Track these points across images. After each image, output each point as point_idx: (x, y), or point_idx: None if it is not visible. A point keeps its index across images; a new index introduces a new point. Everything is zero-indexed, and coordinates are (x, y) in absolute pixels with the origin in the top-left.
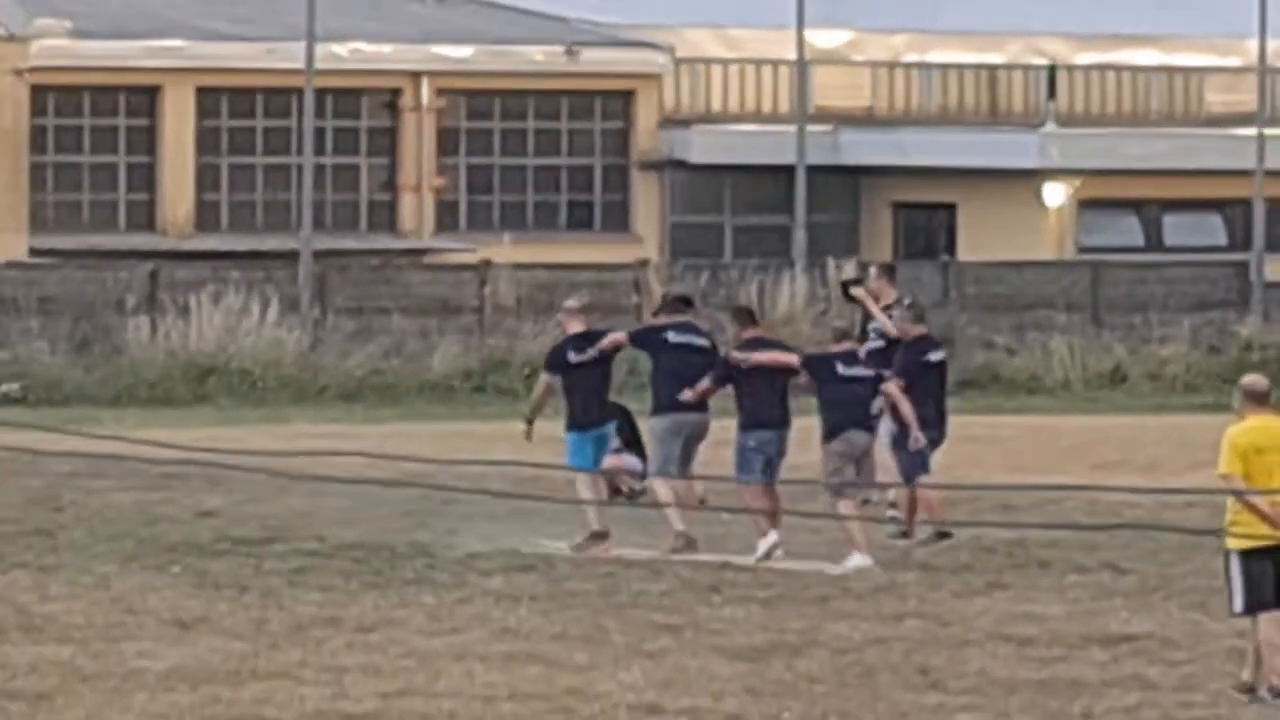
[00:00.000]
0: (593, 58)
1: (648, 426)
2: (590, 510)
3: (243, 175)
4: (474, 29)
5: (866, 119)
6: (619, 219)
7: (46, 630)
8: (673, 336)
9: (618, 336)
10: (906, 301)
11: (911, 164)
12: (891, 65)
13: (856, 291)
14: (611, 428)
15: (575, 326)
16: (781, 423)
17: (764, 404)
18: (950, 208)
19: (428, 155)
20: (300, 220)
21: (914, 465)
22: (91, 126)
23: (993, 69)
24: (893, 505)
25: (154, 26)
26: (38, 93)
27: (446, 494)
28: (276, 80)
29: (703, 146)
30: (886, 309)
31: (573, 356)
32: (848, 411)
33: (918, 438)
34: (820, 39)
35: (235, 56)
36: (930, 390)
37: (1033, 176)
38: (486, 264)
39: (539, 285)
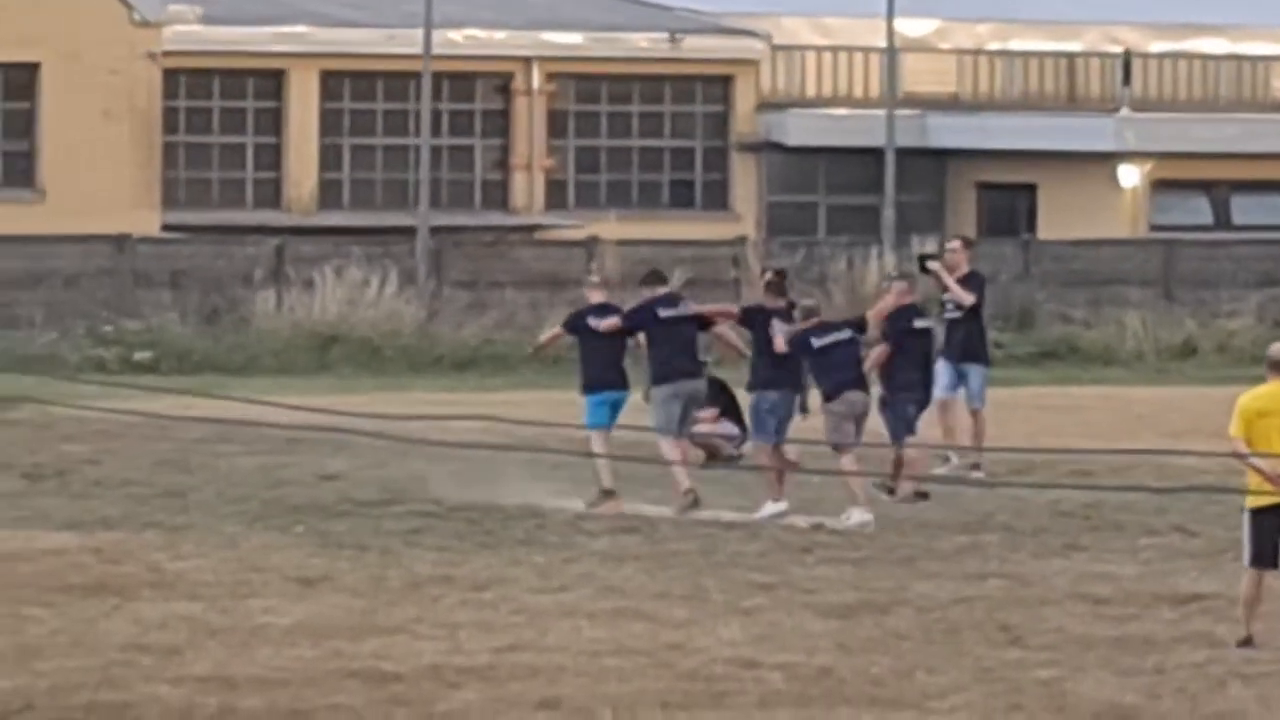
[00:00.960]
0: (694, 45)
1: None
2: (603, 468)
3: (363, 155)
4: (583, 17)
5: (952, 104)
6: (718, 198)
7: (176, 587)
8: (662, 311)
9: (613, 321)
10: (893, 273)
11: (994, 147)
12: (976, 53)
13: (932, 265)
14: (625, 394)
15: (596, 297)
16: (793, 385)
17: (776, 367)
18: (1030, 188)
19: (538, 137)
20: (418, 198)
21: (900, 427)
22: (220, 108)
23: (1071, 57)
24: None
25: (280, 13)
26: (170, 76)
27: (556, 458)
28: (396, 65)
29: (798, 129)
30: (962, 280)
31: (591, 322)
32: (839, 375)
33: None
34: (909, 28)
35: (357, 42)
36: (915, 356)
37: (1108, 159)
38: (593, 240)
39: (643, 261)
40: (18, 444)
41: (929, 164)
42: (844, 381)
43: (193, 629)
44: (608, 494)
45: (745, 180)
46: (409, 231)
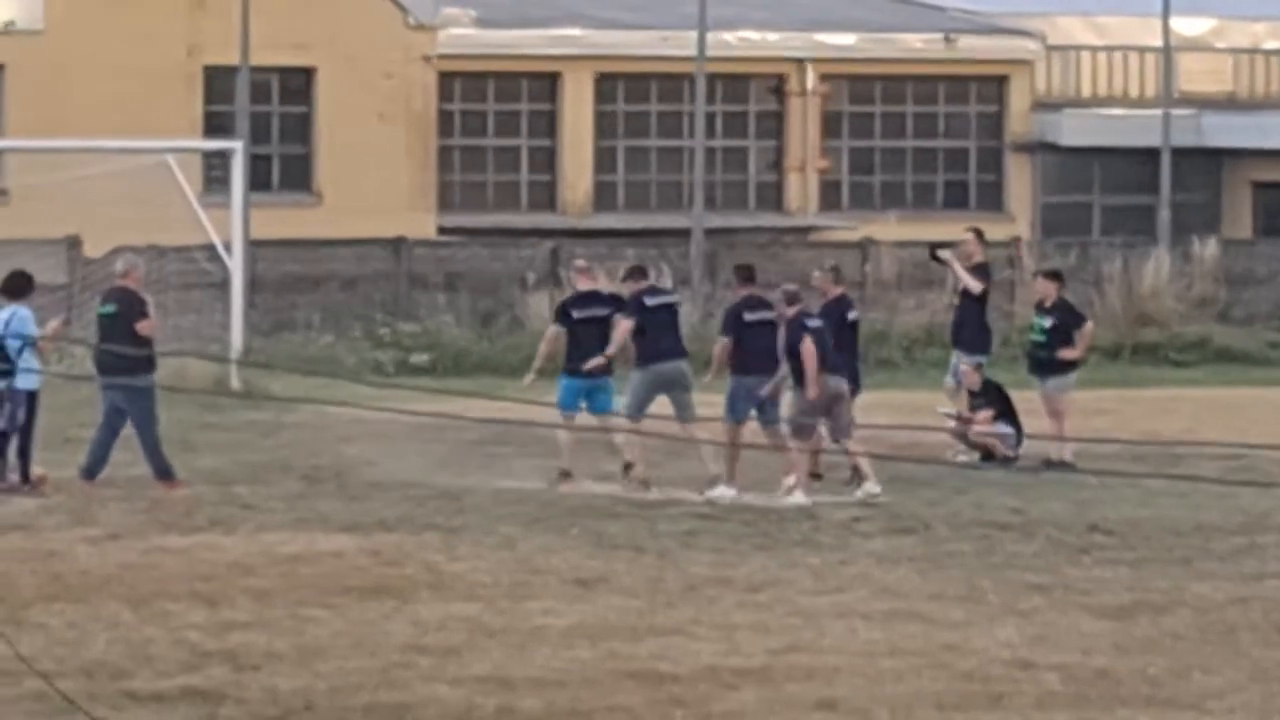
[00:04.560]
0: (969, 44)
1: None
2: (564, 446)
3: (638, 157)
4: (856, 17)
5: (1228, 103)
6: (993, 198)
7: (455, 588)
8: (649, 300)
9: (628, 324)
10: (829, 265)
11: (1271, 146)
12: (1252, 51)
13: (944, 254)
14: (608, 381)
15: (584, 284)
16: (770, 371)
17: (756, 354)
18: None
19: (812, 138)
20: (692, 200)
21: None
22: (495, 111)
23: None
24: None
25: (554, 15)
26: (445, 79)
27: (832, 458)
28: (670, 67)
29: (1073, 129)
30: (974, 268)
31: (576, 313)
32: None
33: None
34: (1185, 26)
35: (631, 44)
36: (848, 346)
37: None
38: (868, 241)
39: (917, 262)
40: (297, 446)
41: (1204, 163)
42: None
43: (471, 630)
44: (565, 475)
45: (1020, 181)
46: (683, 234)
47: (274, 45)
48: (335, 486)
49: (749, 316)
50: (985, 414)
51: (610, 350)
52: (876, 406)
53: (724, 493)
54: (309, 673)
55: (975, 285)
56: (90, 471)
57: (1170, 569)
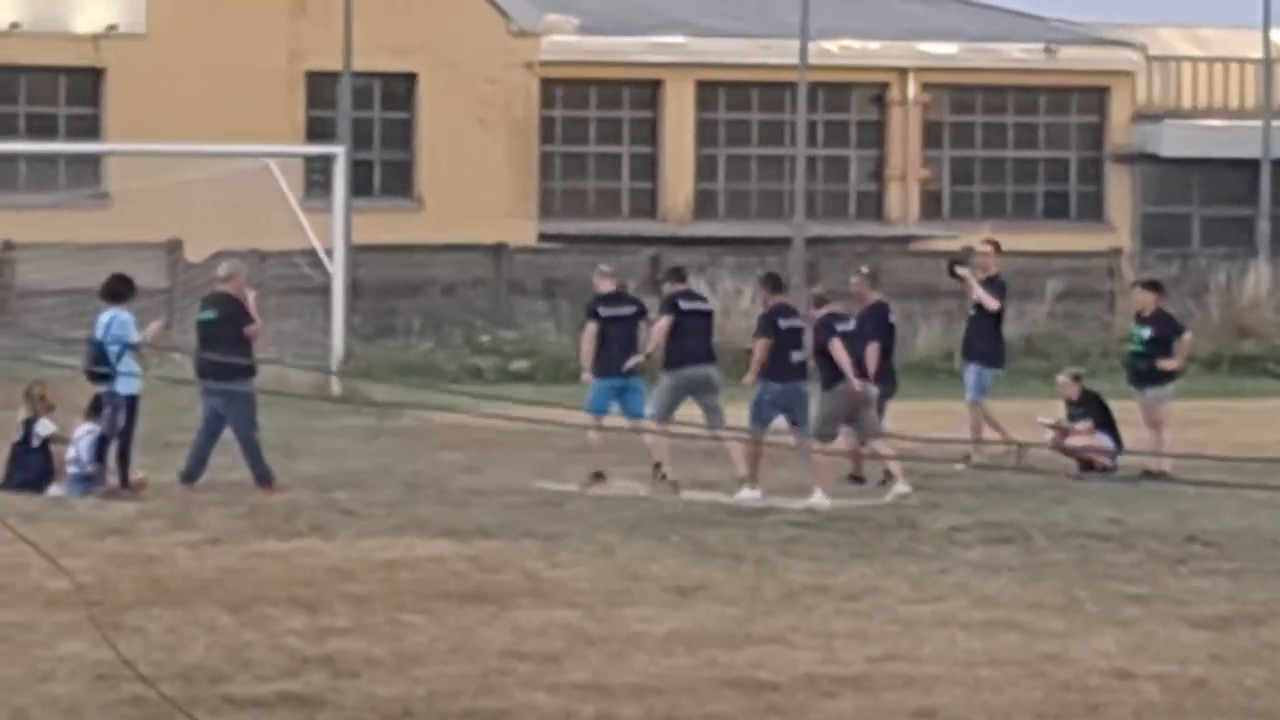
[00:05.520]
0: (1069, 55)
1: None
2: (595, 447)
3: (738, 165)
4: (957, 27)
5: None
6: (1093, 209)
7: (554, 595)
8: (683, 304)
9: (665, 321)
10: (865, 269)
11: None
12: None
13: (961, 271)
14: (640, 381)
15: (606, 286)
16: (797, 377)
17: (785, 360)
18: None
19: (913, 147)
20: (793, 208)
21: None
22: (597, 118)
23: None
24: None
25: (656, 23)
26: (546, 85)
27: (926, 469)
28: (771, 75)
29: (1173, 141)
30: (987, 283)
31: (603, 310)
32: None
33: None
34: None
35: (733, 52)
36: (890, 349)
37: None
38: (968, 251)
39: (1017, 272)
40: (397, 452)
41: None
42: (843, 373)
43: (570, 637)
44: (598, 476)
45: (1120, 191)
46: (783, 242)
47: (376, 51)
48: (435, 492)
49: (783, 324)
50: (1085, 424)
51: (650, 348)
52: None
53: (748, 495)
54: (407, 679)
55: (991, 302)
56: (190, 476)
57: (1269, 580)
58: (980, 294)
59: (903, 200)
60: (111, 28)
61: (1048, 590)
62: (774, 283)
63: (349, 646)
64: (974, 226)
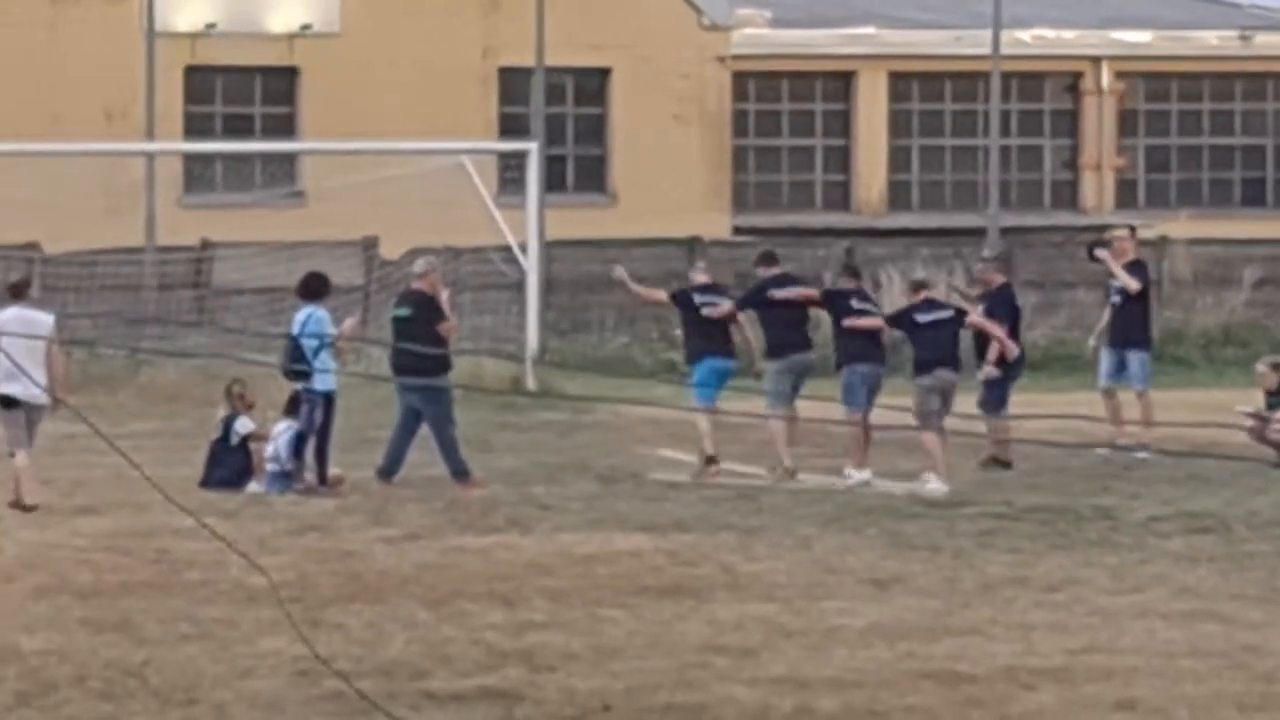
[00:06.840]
0: (1265, 41)
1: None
2: (705, 434)
3: (932, 156)
4: (1152, 14)
5: None
6: None
7: (751, 589)
8: (775, 293)
9: (726, 308)
10: (991, 255)
11: None
12: None
13: (1100, 253)
14: (731, 364)
15: (700, 278)
16: (881, 360)
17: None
18: None
19: (1108, 136)
20: (987, 199)
21: (993, 399)
22: (790, 111)
23: None
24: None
25: (848, 15)
26: (739, 79)
27: (1127, 458)
28: (964, 65)
29: None
30: (1128, 266)
31: (699, 301)
32: (934, 352)
33: (990, 371)
34: None
35: (925, 43)
36: (1015, 330)
37: None
38: (1163, 240)
39: (1214, 260)
40: (593, 447)
41: None
42: (936, 359)
43: (768, 630)
44: (710, 460)
45: None
46: (978, 233)
47: (569, 46)
48: (632, 486)
49: (856, 305)
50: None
51: (749, 333)
52: (1175, 405)
53: (856, 476)
54: (605, 673)
55: (1133, 283)
56: (387, 472)
57: None
58: (1122, 275)
59: (1097, 189)
60: (306, 27)
61: (1249, 581)
62: (854, 270)
63: (547, 641)
64: (1170, 215)
